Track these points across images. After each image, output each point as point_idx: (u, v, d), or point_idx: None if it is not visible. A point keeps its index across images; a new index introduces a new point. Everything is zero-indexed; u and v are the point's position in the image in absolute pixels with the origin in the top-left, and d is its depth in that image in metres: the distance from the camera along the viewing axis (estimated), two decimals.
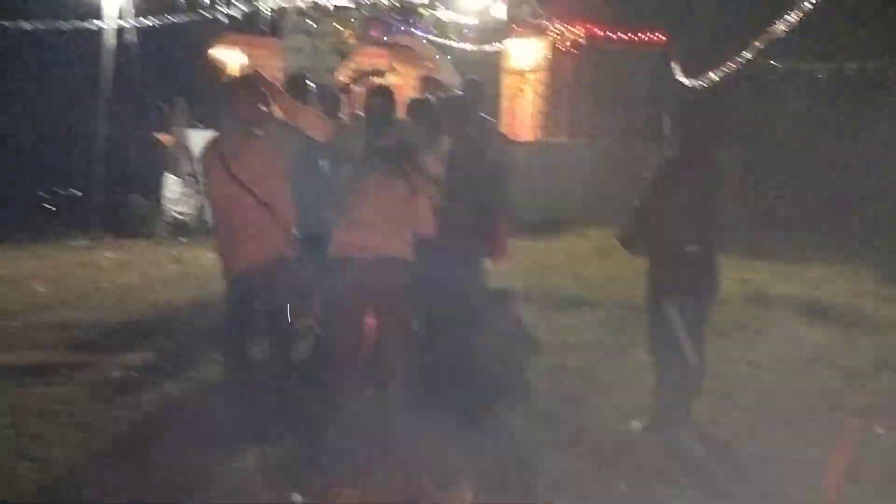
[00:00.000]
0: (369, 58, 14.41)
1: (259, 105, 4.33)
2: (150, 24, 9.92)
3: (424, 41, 12.54)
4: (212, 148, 4.31)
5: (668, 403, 4.28)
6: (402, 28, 12.14)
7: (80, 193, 10.62)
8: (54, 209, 10.50)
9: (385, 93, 4.87)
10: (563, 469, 3.79)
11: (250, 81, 4.43)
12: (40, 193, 9.74)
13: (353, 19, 12.00)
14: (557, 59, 13.58)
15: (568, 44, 13.11)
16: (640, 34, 13.57)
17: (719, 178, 4.27)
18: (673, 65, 11.87)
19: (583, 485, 3.64)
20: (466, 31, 12.52)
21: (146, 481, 3.48)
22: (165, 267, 8.51)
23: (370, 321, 4.30)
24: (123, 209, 10.61)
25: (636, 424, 4.32)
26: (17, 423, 4.12)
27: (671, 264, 4.22)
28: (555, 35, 13.07)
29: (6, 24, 8.34)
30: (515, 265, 8.64)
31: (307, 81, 5.34)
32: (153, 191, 10.72)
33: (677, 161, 4.20)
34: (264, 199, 4.19)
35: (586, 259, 9.54)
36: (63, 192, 10.30)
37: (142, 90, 10.41)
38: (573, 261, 9.51)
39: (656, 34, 13.59)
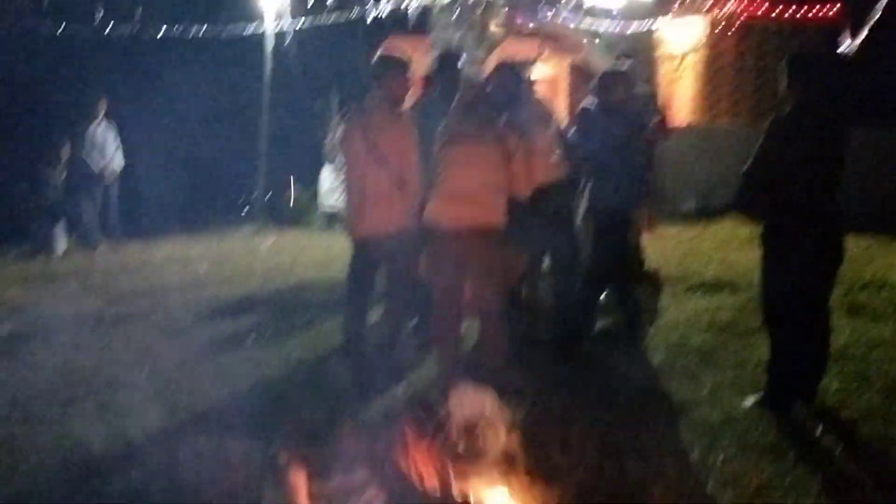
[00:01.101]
0: (517, 48, 14.43)
1: (407, 83, 4.54)
2: (306, 27, 10.56)
3: (572, 27, 12.34)
4: (355, 118, 4.52)
5: (782, 379, 3.99)
6: (549, 15, 12.00)
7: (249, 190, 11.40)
8: (247, 207, 11.34)
9: (505, 66, 5.04)
10: (660, 439, 3.65)
11: (402, 60, 4.56)
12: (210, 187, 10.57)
13: (497, 8, 12.00)
14: (717, 39, 12.89)
15: (728, 21, 12.38)
16: (810, 7, 12.56)
17: (838, 139, 3.90)
18: (847, 39, 10.89)
19: (678, 454, 3.48)
20: (616, 14, 12.15)
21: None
22: (315, 251, 9.01)
23: (468, 291, 4.41)
24: (284, 201, 11.39)
25: (749, 401, 4.06)
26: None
27: (784, 229, 3.93)
28: (713, 13, 12.40)
29: (179, 29, 9.16)
30: (658, 251, 8.43)
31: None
32: (311, 183, 11.39)
33: (790, 116, 3.89)
34: (398, 173, 4.38)
35: (739, 246, 8.97)
36: (232, 189, 11.17)
37: (300, 90, 11.10)
38: (723, 247, 9.03)
39: (829, 6, 12.52)
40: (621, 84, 5.29)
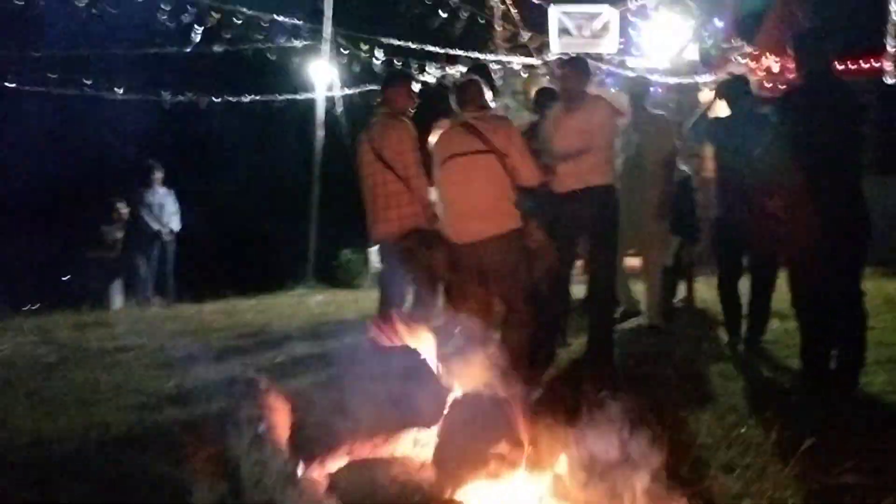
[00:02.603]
0: None
1: (412, 98, 4.79)
2: (354, 94, 11.07)
3: (613, 90, 12.51)
4: (364, 132, 4.78)
5: (817, 365, 3.79)
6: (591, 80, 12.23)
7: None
8: (298, 271, 11.61)
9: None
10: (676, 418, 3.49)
11: (408, 78, 4.88)
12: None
13: (541, 76, 12.33)
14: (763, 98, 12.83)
15: (774, 79, 12.33)
16: (854, 60, 12.41)
17: (853, 111, 3.80)
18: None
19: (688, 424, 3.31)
20: (658, 76, 12.29)
21: None
22: (363, 303, 9.07)
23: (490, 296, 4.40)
24: (335, 263, 11.63)
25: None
26: None
27: (808, 208, 3.79)
28: (757, 71, 12.40)
29: (236, 98, 9.74)
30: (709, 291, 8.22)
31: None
32: (362, 246, 11.60)
33: (803, 90, 3.83)
34: (402, 175, 4.54)
35: None
36: (284, 254, 11.48)
37: (349, 156, 11.47)
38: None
39: (872, 58, 12.33)
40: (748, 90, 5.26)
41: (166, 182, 9.71)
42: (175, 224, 9.66)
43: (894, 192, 10.41)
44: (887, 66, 11.99)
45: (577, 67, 4.98)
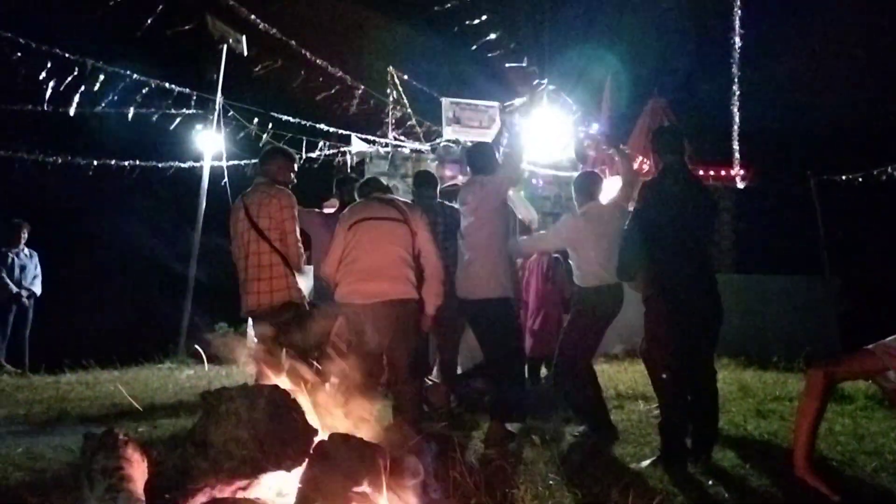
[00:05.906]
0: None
1: (291, 171, 4.83)
2: (241, 165, 11.00)
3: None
4: (241, 197, 4.72)
5: (674, 439, 3.99)
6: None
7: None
8: (170, 344, 11.11)
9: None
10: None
11: (286, 154, 4.93)
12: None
13: (429, 161, 12.73)
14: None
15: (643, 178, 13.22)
16: (717, 168, 13.55)
17: (704, 198, 4.17)
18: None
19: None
20: (540, 168, 12.98)
21: None
22: (235, 380, 8.75)
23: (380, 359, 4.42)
24: (210, 337, 11.17)
25: (645, 462, 4.02)
26: None
27: (662, 289, 4.06)
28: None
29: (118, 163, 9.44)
30: None
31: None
32: (240, 323, 11.25)
33: (660, 179, 4.16)
34: (277, 246, 4.50)
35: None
36: (157, 325, 10.98)
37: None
38: (641, 376, 9.12)
39: (731, 168, 13.53)
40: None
41: (31, 243, 9.21)
42: (36, 288, 9.11)
43: (749, 290, 11.27)
44: (739, 172, 13.21)
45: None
